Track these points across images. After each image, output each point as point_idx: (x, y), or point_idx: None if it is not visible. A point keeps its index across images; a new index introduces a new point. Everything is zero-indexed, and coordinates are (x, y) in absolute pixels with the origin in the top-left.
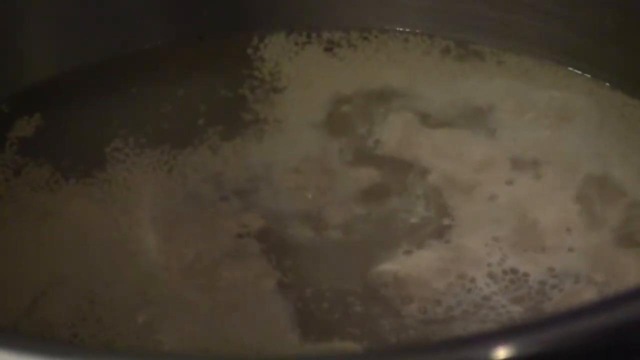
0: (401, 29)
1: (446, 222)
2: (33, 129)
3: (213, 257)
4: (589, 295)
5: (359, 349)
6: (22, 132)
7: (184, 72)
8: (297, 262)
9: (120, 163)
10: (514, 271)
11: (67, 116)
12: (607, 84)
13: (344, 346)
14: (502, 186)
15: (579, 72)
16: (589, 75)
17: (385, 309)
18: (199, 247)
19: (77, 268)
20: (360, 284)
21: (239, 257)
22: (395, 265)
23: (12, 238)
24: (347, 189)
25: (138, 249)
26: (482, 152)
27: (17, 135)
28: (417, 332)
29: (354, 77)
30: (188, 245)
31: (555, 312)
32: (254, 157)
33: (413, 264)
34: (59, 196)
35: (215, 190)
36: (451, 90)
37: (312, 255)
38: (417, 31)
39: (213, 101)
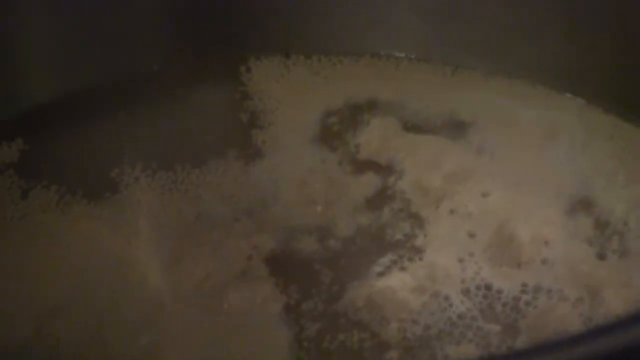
0: (395, 54)
1: (420, 237)
2: (22, 153)
3: (221, 280)
4: (563, 311)
5: None
6: (8, 158)
7: (181, 95)
8: (302, 285)
9: (129, 185)
10: (487, 287)
11: (68, 140)
12: (600, 107)
13: None
14: (478, 199)
15: (573, 96)
16: (582, 99)
17: (366, 332)
18: (208, 269)
19: (87, 289)
20: (346, 307)
21: (247, 279)
22: (371, 287)
23: (23, 259)
24: (354, 199)
25: (147, 270)
26: (460, 163)
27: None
28: (399, 353)
29: (342, 92)
30: (197, 267)
31: (545, 342)
32: (260, 175)
33: (387, 285)
34: (68, 217)
35: (228, 210)
36: (437, 104)
37: (315, 274)
38: (412, 56)
39: (212, 123)
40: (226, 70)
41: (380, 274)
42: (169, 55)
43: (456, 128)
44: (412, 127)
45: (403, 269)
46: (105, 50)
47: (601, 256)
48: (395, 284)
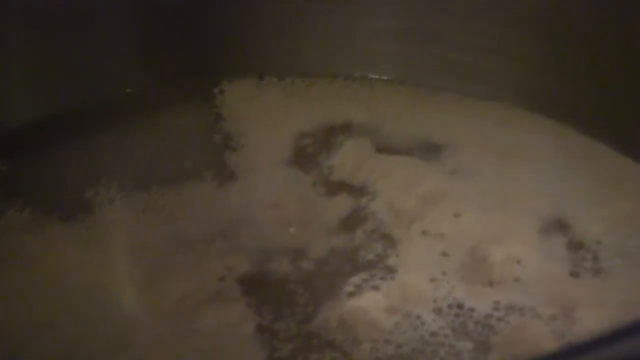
0: (369, 76)
1: (392, 257)
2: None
3: (195, 300)
4: (535, 328)
5: None
6: None
7: (155, 117)
8: (275, 305)
9: (103, 206)
10: (459, 306)
11: (42, 162)
12: (575, 129)
13: None
14: (451, 220)
15: (548, 118)
16: (556, 121)
17: (338, 352)
18: (182, 290)
19: (61, 312)
20: (318, 327)
21: (221, 300)
22: (344, 307)
23: None
24: (327, 220)
25: (121, 292)
26: (434, 184)
27: None
28: None
29: (315, 114)
30: (171, 288)
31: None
32: (233, 197)
33: (360, 305)
34: (43, 240)
35: (202, 232)
36: (411, 126)
37: (288, 294)
38: (386, 78)
39: (185, 145)
40: (200, 93)
41: (353, 295)
42: (143, 78)
43: (430, 150)
44: (386, 148)
45: (375, 289)
46: (79, 74)
47: (575, 274)
48: (368, 304)
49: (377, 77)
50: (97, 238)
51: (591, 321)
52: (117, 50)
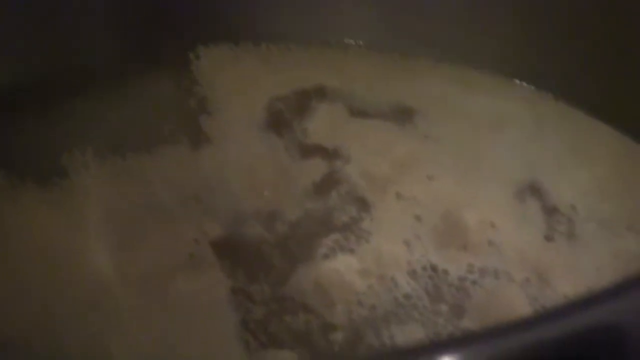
0: (344, 42)
1: (367, 221)
2: None
3: (169, 265)
4: (509, 292)
5: (295, 359)
6: None
7: (130, 82)
8: (249, 268)
9: (78, 171)
10: (433, 268)
11: (18, 126)
12: (550, 94)
13: (281, 356)
14: (425, 184)
15: (523, 83)
16: (533, 87)
17: (312, 314)
18: (155, 254)
19: (35, 275)
20: (292, 290)
21: (194, 264)
22: (317, 270)
23: None
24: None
25: (95, 256)
26: (407, 148)
27: None
28: (345, 334)
29: (290, 80)
30: (144, 252)
31: (496, 325)
32: (207, 162)
33: (334, 268)
34: (18, 204)
35: (175, 196)
36: (385, 91)
37: (262, 257)
38: (361, 44)
39: (161, 110)
40: (175, 58)
41: (327, 257)
42: (119, 44)
43: (404, 114)
44: (360, 113)
45: (349, 252)
46: (55, 39)
47: (549, 238)
48: (342, 266)
49: (352, 42)
50: (71, 203)
51: (565, 285)
52: (93, 16)
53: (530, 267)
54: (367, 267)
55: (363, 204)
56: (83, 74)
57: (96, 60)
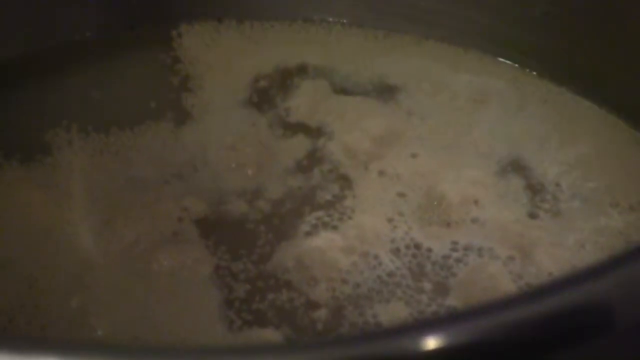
0: (327, 19)
1: (349, 198)
2: None
3: (152, 242)
4: (493, 269)
5: (278, 336)
6: None
7: (113, 60)
8: (232, 246)
9: (61, 148)
10: (417, 246)
11: (1, 104)
12: (534, 72)
13: (264, 334)
14: (407, 161)
15: (507, 61)
16: (516, 64)
17: (295, 292)
18: (138, 231)
19: (19, 252)
20: (275, 267)
21: (177, 242)
22: (300, 247)
23: None
24: (284, 161)
25: (78, 233)
26: (390, 125)
27: None
28: (328, 311)
29: (273, 57)
30: (127, 229)
31: (482, 303)
32: (190, 139)
33: (317, 245)
34: (1, 182)
35: (158, 173)
36: (368, 68)
37: (246, 235)
38: (344, 21)
39: (143, 87)
40: (158, 36)
41: (310, 235)
42: (102, 21)
43: (387, 92)
44: (343, 90)
45: (332, 229)
46: (37, 18)
47: (533, 215)
48: (325, 244)
49: (335, 20)
50: (55, 180)
51: (549, 262)
52: None
53: (514, 244)
54: (350, 244)
55: (346, 182)
56: (66, 51)
57: (79, 38)
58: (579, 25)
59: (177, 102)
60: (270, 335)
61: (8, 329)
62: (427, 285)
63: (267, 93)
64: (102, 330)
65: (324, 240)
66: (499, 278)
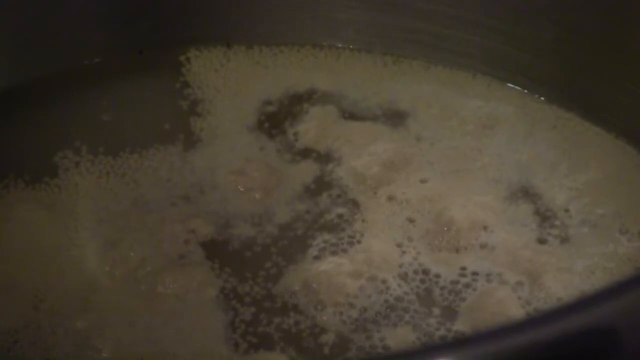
0: (336, 45)
1: (358, 223)
2: None
3: (158, 264)
4: (502, 294)
5: None
6: None
7: (123, 84)
8: (238, 269)
9: (68, 170)
10: (425, 271)
11: (11, 126)
12: (543, 98)
13: (270, 358)
14: (417, 186)
15: (515, 87)
16: (525, 90)
17: (301, 316)
18: (144, 253)
19: (25, 274)
20: (282, 291)
21: (183, 264)
22: (307, 271)
23: None
24: (292, 185)
25: (83, 254)
26: (399, 150)
27: None
28: (335, 336)
29: (281, 82)
30: (133, 251)
31: (490, 328)
32: (198, 162)
33: (324, 269)
34: (8, 201)
35: (165, 195)
36: (377, 93)
37: (252, 259)
38: (353, 47)
39: (152, 111)
40: (167, 61)
41: (318, 259)
42: (112, 46)
43: (395, 117)
44: (351, 115)
45: (340, 253)
46: (49, 43)
47: (542, 241)
48: (332, 268)
49: (344, 46)
50: (62, 202)
51: (558, 288)
52: (86, 19)
53: (523, 270)
54: (358, 268)
55: (355, 206)
56: (77, 75)
57: (90, 64)
58: (587, 51)
59: (185, 126)
60: (276, 358)
61: (12, 349)
62: (435, 310)
63: (276, 118)
64: (107, 352)
65: (331, 264)
66: (508, 303)
